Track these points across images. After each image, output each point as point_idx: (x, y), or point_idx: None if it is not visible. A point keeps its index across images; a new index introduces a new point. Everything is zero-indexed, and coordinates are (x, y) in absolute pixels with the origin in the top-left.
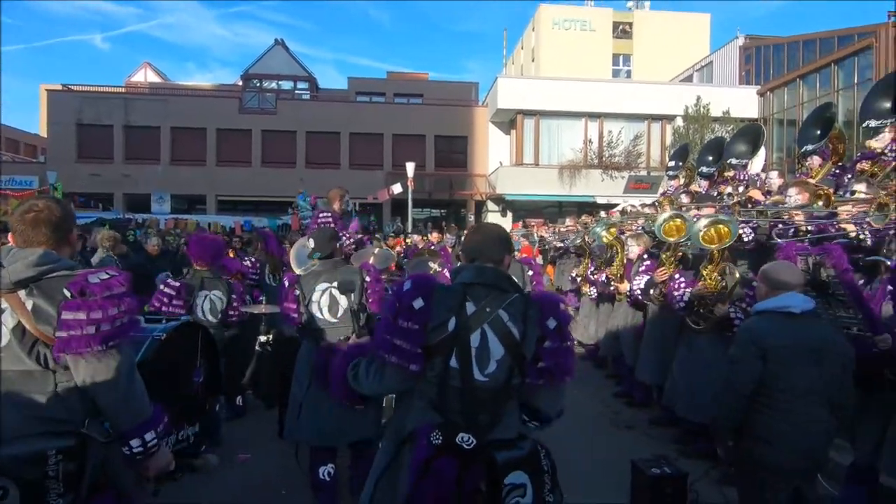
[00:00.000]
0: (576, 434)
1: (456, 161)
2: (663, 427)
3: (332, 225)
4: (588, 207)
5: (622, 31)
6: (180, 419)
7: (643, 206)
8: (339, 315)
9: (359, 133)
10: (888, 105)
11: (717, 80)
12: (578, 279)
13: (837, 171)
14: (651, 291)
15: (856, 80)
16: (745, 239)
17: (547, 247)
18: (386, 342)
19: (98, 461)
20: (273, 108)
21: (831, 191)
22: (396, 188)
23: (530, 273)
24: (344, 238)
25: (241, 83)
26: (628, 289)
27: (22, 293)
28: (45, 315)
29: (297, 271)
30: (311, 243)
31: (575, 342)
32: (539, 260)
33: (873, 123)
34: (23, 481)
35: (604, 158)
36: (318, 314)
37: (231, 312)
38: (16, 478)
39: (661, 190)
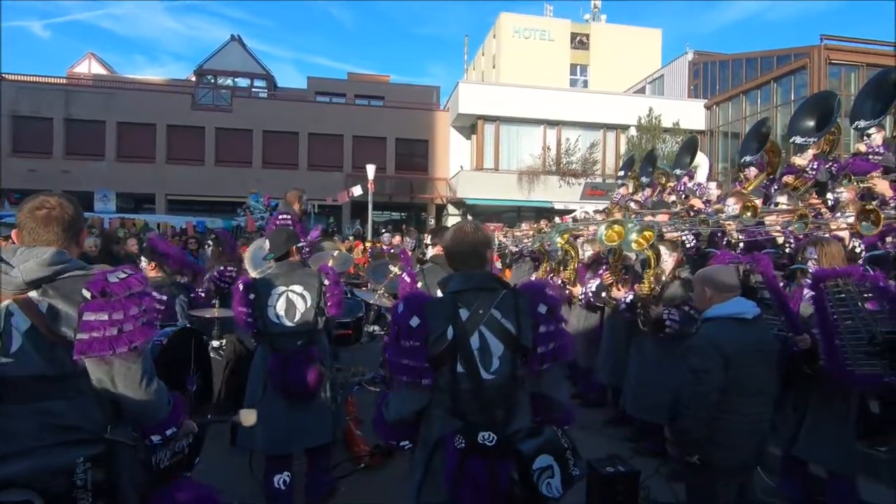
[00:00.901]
0: None
1: (417, 164)
2: (617, 426)
3: (292, 227)
4: (546, 213)
5: (579, 42)
6: None
7: (595, 212)
8: (296, 319)
9: (318, 134)
10: (812, 124)
11: (668, 93)
12: None
13: (767, 183)
14: (602, 294)
15: (792, 98)
16: (688, 245)
17: (505, 251)
18: (396, 364)
19: (131, 466)
20: (228, 106)
21: (759, 202)
22: (356, 190)
23: None
24: (303, 244)
25: (194, 79)
26: (581, 292)
27: (34, 294)
28: (63, 316)
29: (253, 274)
30: (267, 245)
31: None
32: (498, 264)
33: (798, 140)
34: (49, 494)
35: (561, 165)
36: (274, 319)
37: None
38: (41, 490)
39: (612, 197)
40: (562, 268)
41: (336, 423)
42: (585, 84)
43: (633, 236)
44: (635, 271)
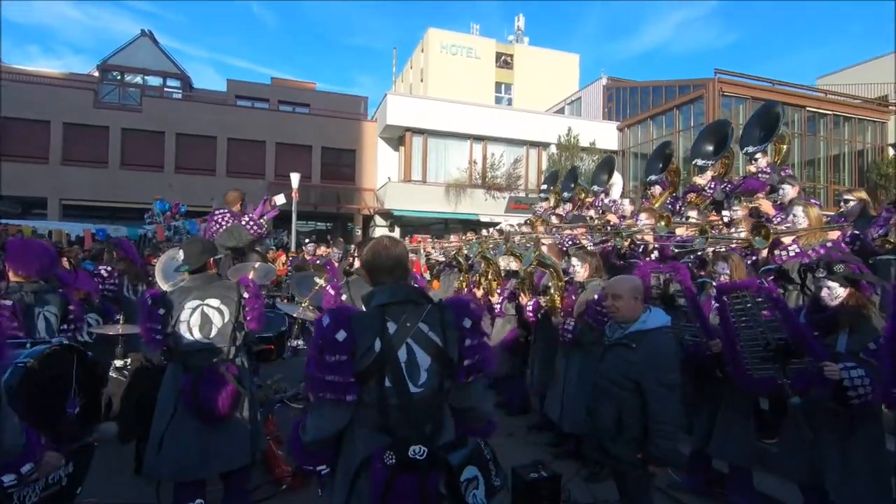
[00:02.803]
0: None
1: (343, 174)
2: (540, 432)
3: (231, 221)
4: (472, 225)
5: (504, 61)
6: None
7: (519, 225)
8: (211, 335)
9: (238, 139)
10: (711, 148)
11: (585, 114)
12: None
13: (672, 201)
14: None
15: (692, 124)
16: (617, 258)
17: (432, 261)
18: (318, 381)
19: None
20: (137, 105)
21: (670, 215)
22: (279, 199)
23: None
24: (245, 221)
25: (97, 74)
26: (496, 301)
27: None
28: None
29: (164, 287)
30: (180, 256)
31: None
32: (427, 275)
33: (700, 163)
34: None
35: (487, 179)
36: (186, 335)
37: (65, 327)
38: None
39: (534, 210)
40: (483, 279)
41: (255, 443)
42: (510, 102)
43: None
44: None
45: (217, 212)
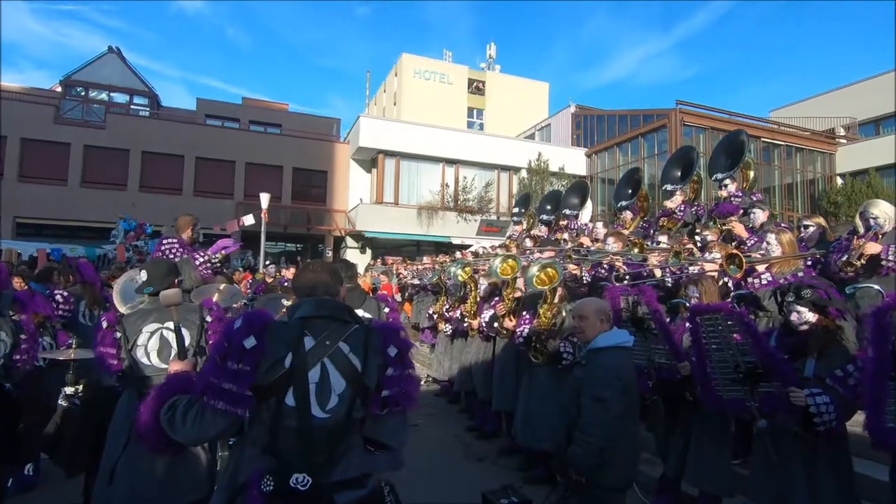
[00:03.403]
0: (430, 469)
1: (315, 195)
2: (510, 456)
3: (180, 253)
4: (444, 247)
5: (476, 87)
6: None
7: (493, 247)
8: (171, 360)
9: (207, 158)
10: (678, 173)
11: (554, 140)
12: (435, 316)
13: (645, 225)
14: (494, 324)
15: (656, 151)
16: (585, 280)
17: (404, 284)
18: (212, 386)
19: None
20: (101, 122)
21: (642, 241)
22: (248, 219)
23: (387, 310)
24: (199, 258)
25: (59, 89)
26: (478, 324)
27: None
28: None
29: (122, 309)
30: (144, 276)
31: (428, 377)
32: (398, 297)
33: (669, 187)
34: None
35: (459, 202)
36: (143, 360)
37: (17, 357)
38: None
39: (508, 233)
40: (461, 302)
41: (214, 474)
42: (481, 127)
43: (535, 270)
44: (529, 304)
45: (165, 241)
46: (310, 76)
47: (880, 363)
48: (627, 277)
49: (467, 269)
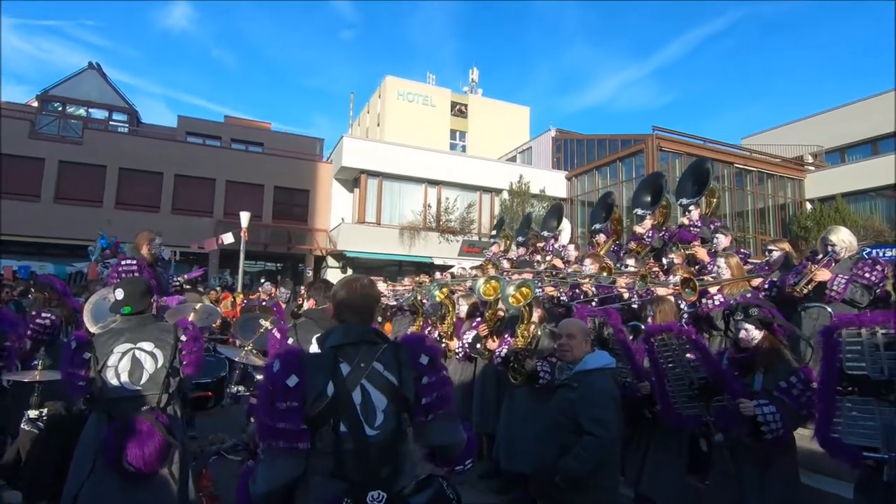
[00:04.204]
0: None
1: (296, 214)
2: (490, 479)
3: (136, 274)
4: (426, 268)
5: (459, 110)
6: None
7: (472, 268)
8: (142, 381)
9: (187, 176)
10: (648, 199)
11: (535, 163)
12: None
13: (616, 248)
14: (477, 346)
15: (633, 175)
16: (563, 300)
17: (383, 305)
18: (269, 429)
19: None
20: (78, 137)
21: (612, 264)
22: (227, 237)
23: None
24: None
25: (35, 104)
26: (457, 346)
27: None
28: None
29: (92, 329)
30: (119, 295)
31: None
32: (378, 318)
33: (639, 212)
34: None
35: (441, 222)
36: (113, 381)
37: None
38: None
39: (486, 255)
40: (440, 322)
41: (184, 501)
42: (464, 149)
43: (511, 290)
44: (510, 324)
45: (123, 262)
46: (294, 96)
47: (828, 378)
48: (595, 300)
49: (444, 289)
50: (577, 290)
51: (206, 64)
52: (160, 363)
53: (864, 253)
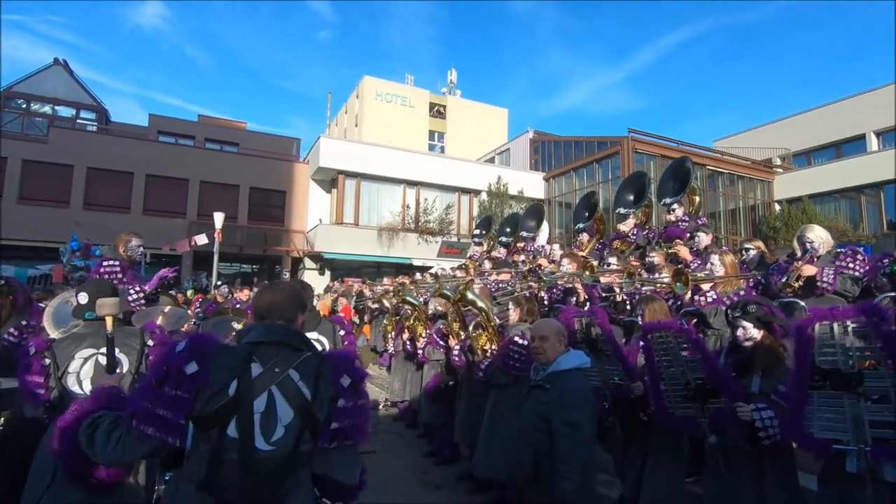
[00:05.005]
0: (387, 498)
1: (272, 215)
2: (469, 481)
3: (119, 276)
4: (405, 269)
5: (437, 111)
6: None
7: (453, 269)
8: (99, 376)
9: (158, 176)
10: (631, 198)
11: (513, 164)
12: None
13: (600, 247)
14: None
15: (610, 177)
16: (545, 303)
17: (362, 307)
18: (145, 411)
19: None
20: (43, 136)
21: (595, 262)
22: (201, 239)
23: (342, 333)
24: (132, 291)
25: None
26: (419, 347)
27: None
28: None
29: (53, 334)
30: (83, 299)
31: (386, 401)
32: (356, 319)
33: (622, 211)
34: None
35: (420, 223)
36: (75, 388)
37: None
38: None
39: (469, 253)
40: (407, 322)
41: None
42: (442, 150)
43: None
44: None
45: (106, 263)
46: (271, 97)
47: (801, 373)
48: (588, 301)
49: (403, 291)
50: (555, 292)
51: (180, 63)
52: (126, 368)
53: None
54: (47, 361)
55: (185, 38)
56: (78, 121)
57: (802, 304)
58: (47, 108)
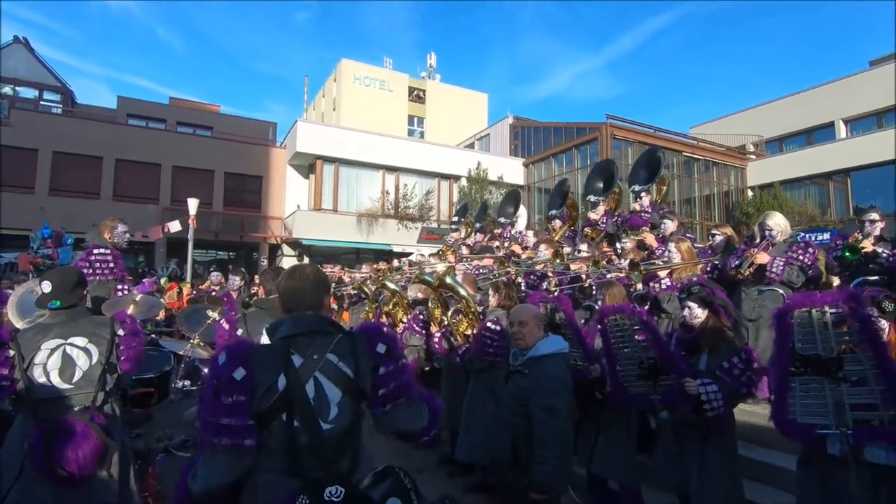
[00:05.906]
0: None
1: (249, 201)
2: (450, 465)
3: (111, 265)
4: (384, 255)
5: (416, 96)
6: None
7: (430, 255)
8: (74, 379)
9: (128, 160)
10: (601, 185)
11: (493, 150)
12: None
13: (571, 234)
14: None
15: (588, 163)
16: (523, 288)
17: (340, 293)
18: (212, 425)
19: None
20: (5, 118)
21: (565, 250)
22: (174, 226)
23: None
24: (119, 293)
25: None
26: (398, 332)
27: None
28: None
29: (18, 324)
30: (47, 288)
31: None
32: (335, 306)
33: (592, 199)
34: None
35: (399, 209)
36: (42, 380)
37: None
38: None
39: (446, 241)
40: (386, 307)
41: (124, 503)
42: (422, 135)
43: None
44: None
45: (96, 251)
46: (246, 80)
47: (782, 359)
48: (559, 287)
49: (382, 276)
50: (532, 277)
51: (150, 45)
52: (95, 359)
53: (798, 237)
54: (12, 353)
55: (156, 18)
56: (41, 102)
57: (781, 291)
58: (7, 89)
